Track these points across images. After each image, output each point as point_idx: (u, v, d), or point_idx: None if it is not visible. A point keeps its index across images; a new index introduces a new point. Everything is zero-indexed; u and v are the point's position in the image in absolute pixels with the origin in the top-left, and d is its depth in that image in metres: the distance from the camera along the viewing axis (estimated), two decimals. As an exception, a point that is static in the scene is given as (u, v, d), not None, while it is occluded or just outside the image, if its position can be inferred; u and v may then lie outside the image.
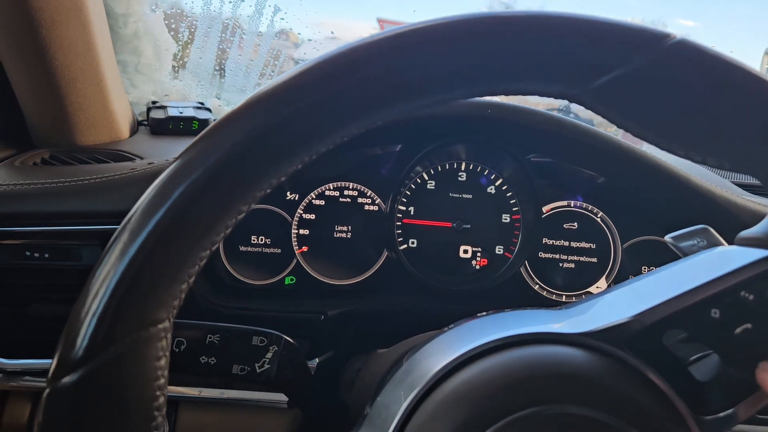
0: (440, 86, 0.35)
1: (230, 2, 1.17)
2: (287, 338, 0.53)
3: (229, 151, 0.33)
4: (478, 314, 0.45)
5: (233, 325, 0.52)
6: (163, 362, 0.33)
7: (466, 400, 0.35)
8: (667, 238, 0.47)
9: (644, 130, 0.34)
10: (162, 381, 0.33)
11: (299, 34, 1.20)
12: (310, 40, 1.22)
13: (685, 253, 0.44)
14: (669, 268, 0.41)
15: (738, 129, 0.32)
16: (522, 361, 0.37)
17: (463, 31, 0.34)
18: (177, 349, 0.49)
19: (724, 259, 0.38)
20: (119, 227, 0.33)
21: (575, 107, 1.20)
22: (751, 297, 0.35)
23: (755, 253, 0.36)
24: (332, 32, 1.17)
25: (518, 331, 0.39)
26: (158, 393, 0.33)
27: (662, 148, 0.35)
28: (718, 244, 0.44)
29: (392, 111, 0.36)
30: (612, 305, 0.39)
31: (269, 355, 0.51)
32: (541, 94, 0.37)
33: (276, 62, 1.18)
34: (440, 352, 0.40)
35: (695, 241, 0.45)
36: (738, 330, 0.36)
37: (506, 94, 0.37)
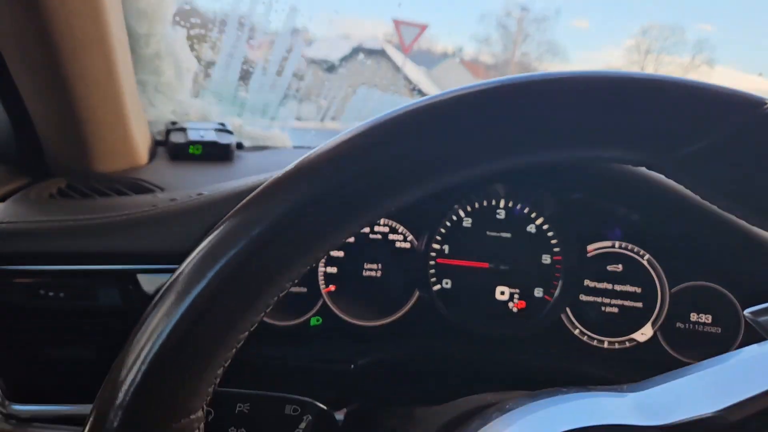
0: (514, 151, 0.32)
1: (255, 17, 1.14)
2: (321, 405, 0.49)
3: (274, 222, 0.30)
4: (533, 393, 0.41)
5: (264, 392, 0.48)
6: None
7: None
8: (746, 313, 0.43)
9: (735, 204, 0.31)
10: None
11: (316, 35, 1.17)
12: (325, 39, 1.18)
13: (769, 332, 0.40)
14: (753, 350, 0.36)
15: None
16: None
17: (537, 92, 0.31)
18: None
19: None
20: (151, 305, 0.30)
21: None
22: None
23: None
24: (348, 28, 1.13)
25: (588, 422, 0.34)
26: None
27: (751, 224, 0.32)
28: (809, 323, 0.39)
29: (452, 179, 0.33)
30: (689, 392, 0.35)
31: (303, 425, 0.48)
32: (620, 162, 0.34)
33: (301, 83, 1.14)
34: None
35: (782, 319, 0.40)
36: None
37: (583, 163, 0.34)
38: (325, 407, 0.49)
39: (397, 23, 1.94)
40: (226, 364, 0.32)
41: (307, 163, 0.31)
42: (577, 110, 0.31)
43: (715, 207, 0.68)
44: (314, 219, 0.31)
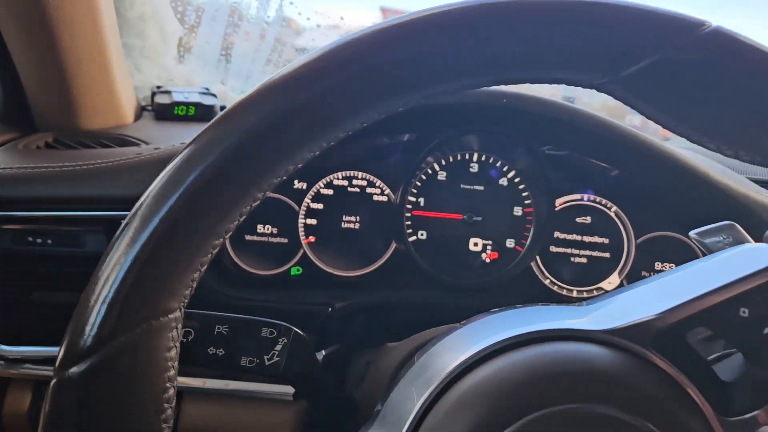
0: (465, 73, 0.34)
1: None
2: (297, 330, 0.52)
3: (246, 135, 0.32)
4: (493, 310, 0.44)
5: (242, 316, 0.50)
6: (173, 353, 0.33)
7: (485, 398, 0.34)
8: (692, 234, 0.46)
9: (675, 122, 0.33)
10: (172, 372, 0.33)
11: (308, 19, 1.19)
12: (319, 25, 1.20)
13: (711, 250, 0.43)
14: (694, 265, 0.39)
15: None
16: (543, 358, 0.35)
17: (490, 16, 0.32)
18: (184, 339, 0.48)
19: (754, 257, 0.37)
20: (131, 212, 0.32)
21: (579, 97, 1.18)
22: None
23: None
24: (342, 17, 1.15)
25: (539, 327, 0.37)
26: (168, 384, 0.32)
27: (693, 141, 0.34)
28: (744, 241, 0.43)
29: (414, 97, 0.35)
30: (635, 302, 0.38)
31: (278, 347, 0.50)
32: (569, 83, 0.36)
33: (283, 47, 1.16)
34: (456, 347, 0.39)
35: (721, 238, 0.44)
36: (767, 330, 0.35)
37: (533, 82, 0.36)
38: (300, 332, 0.52)
39: (385, 11, 1.94)
40: (203, 269, 0.34)
41: (275, 81, 0.33)
42: (529, 35, 0.32)
43: (680, 157, 0.71)
44: (280, 134, 0.33)
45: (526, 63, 0.34)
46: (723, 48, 0.30)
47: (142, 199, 0.32)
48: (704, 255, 0.43)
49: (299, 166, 0.34)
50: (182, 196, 0.31)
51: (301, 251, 0.80)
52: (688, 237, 0.78)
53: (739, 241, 0.43)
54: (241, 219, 0.34)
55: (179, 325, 0.33)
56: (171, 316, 0.32)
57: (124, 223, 0.32)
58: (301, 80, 0.32)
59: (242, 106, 0.33)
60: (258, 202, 0.35)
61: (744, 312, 0.35)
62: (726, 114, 0.31)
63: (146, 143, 0.82)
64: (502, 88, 0.73)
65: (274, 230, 0.80)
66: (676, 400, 0.34)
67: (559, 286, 0.81)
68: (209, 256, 0.33)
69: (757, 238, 0.42)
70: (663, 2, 0.34)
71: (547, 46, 0.33)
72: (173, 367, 0.32)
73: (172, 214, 0.31)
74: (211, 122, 0.34)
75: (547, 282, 0.81)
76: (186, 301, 0.34)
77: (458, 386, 0.36)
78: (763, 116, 0.31)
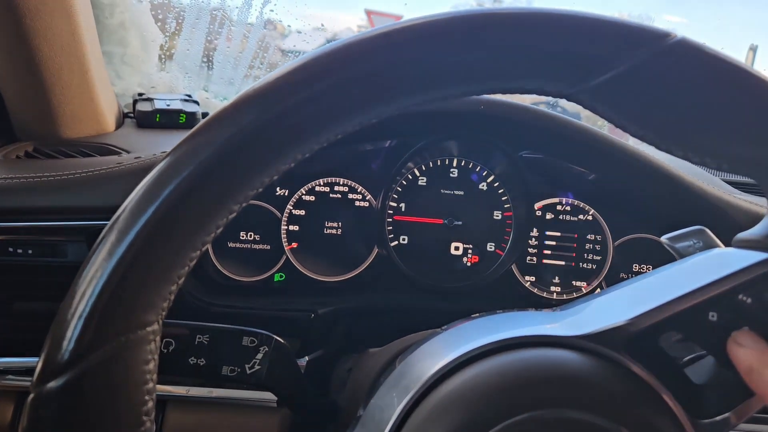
0: (435, 84, 0.34)
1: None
2: (278, 338, 0.52)
3: (221, 148, 0.32)
4: (473, 315, 0.45)
5: (223, 325, 0.51)
6: (151, 366, 0.33)
7: (461, 404, 0.35)
8: (663, 239, 0.47)
9: (642, 130, 0.34)
10: (151, 385, 0.33)
11: (288, 26, 1.19)
12: (299, 32, 1.20)
13: (681, 255, 0.44)
14: (665, 270, 0.40)
15: (737, 130, 0.31)
16: (518, 364, 0.36)
17: (461, 28, 0.33)
18: (165, 350, 0.48)
19: (722, 261, 0.38)
20: (107, 225, 0.32)
21: (562, 102, 1.20)
22: (749, 300, 0.35)
23: (753, 256, 0.36)
24: (322, 24, 1.15)
25: (514, 333, 0.38)
26: (147, 397, 0.32)
27: (660, 149, 0.34)
28: (714, 245, 0.44)
29: (387, 108, 0.35)
30: (608, 307, 0.39)
31: (260, 356, 0.51)
32: (539, 93, 0.36)
33: (265, 54, 1.16)
34: (435, 354, 0.40)
35: (691, 242, 0.45)
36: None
37: (503, 92, 0.36)
38: (281, 340, 0.52)
39: (370, 14, 1.94)
40: (180, 281, 0.34)
41: (250, 93, 0.34)
42: (499, 46, 0.33)
43: (654, 160, 0.73)
44: (257, 146, 0.33)
45: (497, 74, 0.34)
46: (687, 58, 0.31)
47: (118, 212, 0.32)
48: (675, 259, 0.44)
49: (275, 177, 0.35)
50: (158, 210, 0.31)
51: (284, 257, 0.80)
52: (664, 240, 0.80)
53: (709, 245, 0.44)
54: (218, 231, 0.34)
55: (157, 338, 0.33)
56: (149, 329, 0.32)
57: (100, 237, 0.32)
58: (275, 93, 0.33)
59: (218, 118, 0.33)
60: (234, 213, 0.35)
61: (713, 316, 0.36)
62: (692, 122, 0.32)
63: (127, 152, 0.82)
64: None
65: (257, 237, 0.80)
66: (649, 404, 0.35)
67: (539, 289, 0.83)
68: (186, 268, 0.34)
69: (728, 242, 0.43)
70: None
71: (517, 57, 0.33)
72: (152, 379, 0.32)
73: (147, 228, 0.31)
74: (187, 135, 0.34)
75: (527, 284, 0.83)
76: (164, 313, 0.34)
77: (436, 392, 0.36)
78: (727, 124, 0.32)
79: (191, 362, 0.49)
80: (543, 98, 1.13)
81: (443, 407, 0.35)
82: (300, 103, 0.33)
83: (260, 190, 0.34)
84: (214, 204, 0.33)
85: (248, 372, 0.50)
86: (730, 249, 0.39)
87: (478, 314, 0.44)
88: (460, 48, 0.33)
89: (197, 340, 0.50)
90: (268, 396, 0.68)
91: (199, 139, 0.33)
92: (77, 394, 0.29)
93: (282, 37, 1.33)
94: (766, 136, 0.31)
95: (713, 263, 0.38)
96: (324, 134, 0.35)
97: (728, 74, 0.31)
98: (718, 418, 0.36)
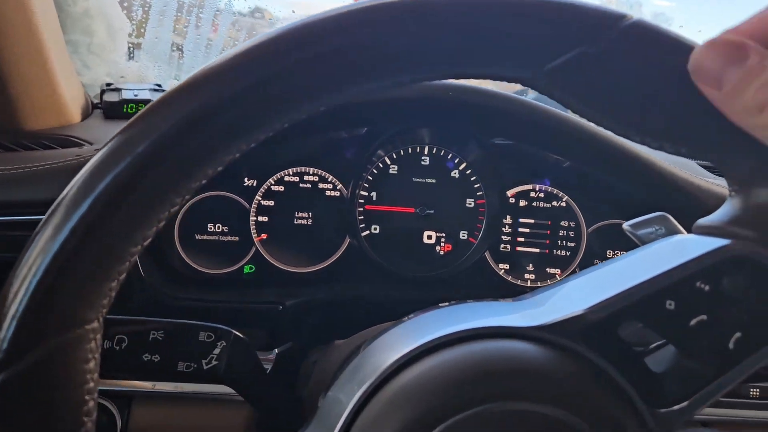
0: (388, 70, 0.33)
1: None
2: (236, 333, 0.51)
3: (158, 139, 0.31)
4: (439, 305, 0.44)
5: (178, 320, 0.49)
6: (92, 365, 0.32)
7: (415, 396, 0.34)
8: (625, 225, 0.46)
9: (599, 115, 0.33)
10: (91, 385, 0.32)
11: (253, 6, 1.17)
12: (271, 19, 1.18)
13: (643, 242, 0.44)
14: (626, 257, 0.39)
15: (694, 114, 0.31)
16: (472, 356, 0.35)
17: (414, 11, 0.32)
18: (117, 347, 0.47)
19: (680, 248, 0.37)
20: (42, 220, 0.31)
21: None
22: (707, 288, 0.34)
23: (711, 243, 0.35)
24: (293, 11, 1.13)
25: (470, 325, 0.37)
26: (87, 397, 0.31)
27: (618, 134, 0.34)
28: (676, 231, 0.43)
29: (340, 95, 0.34)
30: (568, 297, 0.38)
31: (217, 351, 0.49)
32: (495, 78, 0.36)
33: (236, 42, 1.14)
34: (393, 345, 0.39)
35: (653, 229, 0.44)
36: (693, 322, 0.35)
37: (461, 77, 0.36)
38: (240, 334, 0.51)
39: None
40: (121, 277, 0.33)
41: (188, 81, 0.33)
42: (453, 31, 0.32)
43: (624, 145, 0.72)
44: (197, 136, 0.32)
45: (453, 59, 0.33)
46: (643, 40, 0.30)
47: (53, 207, 0.31)
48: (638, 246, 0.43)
49: (220, 169, 0.34)
50: (94, 204, 0.30)
51: (254, 249, 0.79)
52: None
53: (671, 231, 0.43)
54: (160, 225, 0.33)
55: (98, 336, 0.32)
56: (88, 327, 0.31)
57: (34, 232, 0.31)
58: (216, 80, 0.32)
59: (155, 108, 0.32)
60: (177, 207, 0.34)
61: (670, 304, 0.35)
62: (647, 106, 0.31)
63: (91, 143, 0.80)
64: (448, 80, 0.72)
65: (225, 228, 0.79)
66: (607, 394, 0.34)
67: (514, 276, 0.82)
68: (127, 263, 0.33)
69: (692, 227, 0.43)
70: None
71: (471, 41, 0.32)
72: (92, 379, 0.32)
73: (83, 223, 0.30)
74: (125, 125, 0.33)
75: (501, 272, 0.82)
76: (104, 310, 0.33)
77: (391, 384, 0.35)
78: (685, 108, 0.31)
79: (145, 359, 0.48)
80: (516, 86, 1.12)
81: (396, 400, 0.34)
82: (245, 90, 0.31)
83: (204, 182, 0.33)
84: (154, 197, 0.32)
85: (205, 367, 0.49)
86: (690, 236, 0.38)
87: (444, 304, 0.44)
88: (414, 31, 0.32)
89: (151, 336, 0.48)
90: (236, 390, 0.67)
91: (136, 129, 0.32)
92: (13, 395, 0.28)
93: (270, 24, 1.30)
94: (723, 120, 0.30)
95: (672, 250, 0.37)
96: (271, 123, 0.34)
97: (683, 56, 0.30)
98: (676, 407, 0.35)
